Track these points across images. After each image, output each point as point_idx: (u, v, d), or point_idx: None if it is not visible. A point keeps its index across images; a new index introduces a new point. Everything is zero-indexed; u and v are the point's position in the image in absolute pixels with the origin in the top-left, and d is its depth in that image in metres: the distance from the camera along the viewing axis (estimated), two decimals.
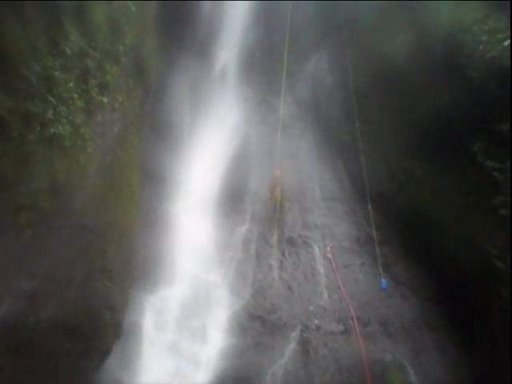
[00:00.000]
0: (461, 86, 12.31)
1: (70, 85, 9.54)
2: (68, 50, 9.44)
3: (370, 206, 15.76)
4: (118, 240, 11.66)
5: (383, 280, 14.77)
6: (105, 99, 10.98)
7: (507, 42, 11.50)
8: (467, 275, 12.95)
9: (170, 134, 18.76)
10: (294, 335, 13.27)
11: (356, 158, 17.08)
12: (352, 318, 13.81)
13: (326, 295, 14.69)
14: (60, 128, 9.24)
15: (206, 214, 17.33)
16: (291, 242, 16.30)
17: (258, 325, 13.62)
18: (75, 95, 9.84)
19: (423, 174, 14.68)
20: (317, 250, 16.00)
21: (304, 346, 12.94)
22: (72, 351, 9.53)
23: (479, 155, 12.30)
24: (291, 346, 12.95)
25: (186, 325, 13.50)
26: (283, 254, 15.97)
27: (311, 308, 14.20)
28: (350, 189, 17.79)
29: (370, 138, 17.03)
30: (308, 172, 18.38)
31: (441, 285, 14.06)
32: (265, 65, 21.68)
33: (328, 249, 15.86)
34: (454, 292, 13.37)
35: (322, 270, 15.42)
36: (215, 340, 13.35)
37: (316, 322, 13.71)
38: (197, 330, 13.49)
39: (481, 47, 11.92)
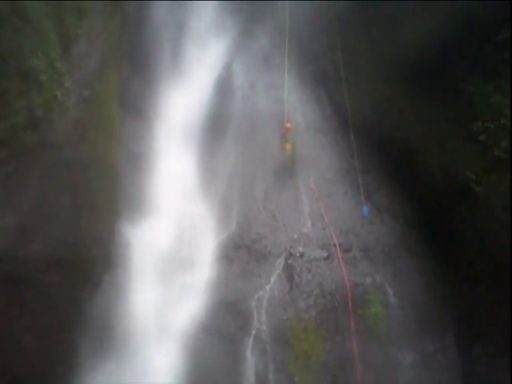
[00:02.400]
0: (445, 9, 12.00)
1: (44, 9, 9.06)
2: None
3: (352, 136, 15.75)
4: (102, 175, 11.61)
5: (365, 207, 15.05)
6: (81, 31, 10.49)
7: None
8: (446, 201, 13.27)
9: (150, 67, 18.16)
10: (279, 262, 13.66)
11: (339, 87, 16.84)
12: (334, 245, 14.20)
13: (309, 224, 14.98)
14: (35, 62, 8.90)
15: (191, 147, 17.18)
16: (275, 173, 16.30)
17: (243, 254, 13.94)
18: (50, 28, 9.40)
19: (405, 103, 14.59)
20: (300, 181, 16.09)
21: (289, 272, 13.36)
22: (62, 283, 9.74)
23: (461, 81, 12.23)
24: (276, 273, 13.36)
25: (174, 256, 13.74)
26: (268, 186, 16.00)
27: (295, 236, 14.52)
28: (333, 119, 17.66)
29: (353, 66, 16.70)
30: (291, 103, 18.09)
31: (420, 211, 14.42)
32: None
33: (311, 179, 15.97)
34: (433, 217, 13.72)
35: (305, 199, 15.63)
36: (203, 269, 13.67)
37: (300, 249, 14.08)
38: (184, 261, 13.78)
39: None
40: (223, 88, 18.48)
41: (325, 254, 14.09)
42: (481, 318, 11.67)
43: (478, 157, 12.04)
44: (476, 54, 11.79)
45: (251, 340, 11.90)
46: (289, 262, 13.63)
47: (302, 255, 13.90)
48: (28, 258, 9.15)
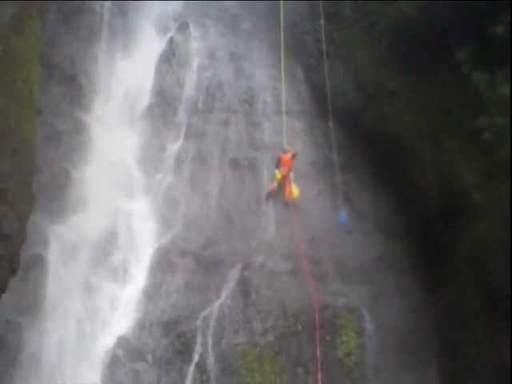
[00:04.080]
0: None
1: None
2: None
3: (331, 124, 15.82)
4: (13, 153, 11.27)
5: (342, 212, 15.07)
6: None
7: None
8: (438, 209, 13.55)
9: (84, 21, 17.92)
10: (233, 274, 13.65)
11: (318, 63, 16.96)
12: (302, 256, 14.27)
13: (273, 229, 15.08)
14: None
15: (130, 125, 17.07)
16: (234, 164, 16.41)
17: (189, 261, 13.90)
18: None
19: (396, 88, 14.85)
20: (265, 174, 16.19)
21: (244, 286, 13.36)
22: None
23: (465, 65, 12.46)
24: (229, 286, 13.33)
25: (102, 260, 13.58)
26: (224, 179, 16.10)
27: (254, 243, 14.60)
28: (309, 101, 17.85)
29: (337, 39, 16.91)
30: (259, 78, 18.19)
31: (408, 220, 14.68)
32: None
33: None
34: (423, 227, 14.00)
35: (270, 198, 15.73)
36: (137, 279, 13.58)
37: (260, 259, 14.13)
38: (115, 267, 13.64)
39: None
40: (176, 54, 18.37)
41: (290, 267, 14.17)
42: (469, 352, 11.98)
43: (480, 158, 12.36)
44: (483, 34, 12.06)
45: (192, 369, 11.75)
46: (245, 273, 13.64)
47: (261, 267, 13.95)
48: None
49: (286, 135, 15.73)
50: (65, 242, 13.42)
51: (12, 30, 12.32)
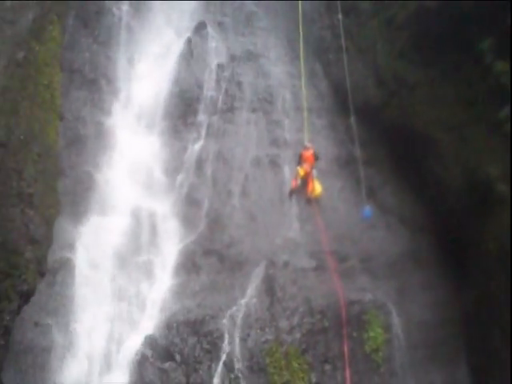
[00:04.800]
0: None
1: None
2: None
3: (352, 119, 15.87)
4: (38, 158, 11.49)
5: (367, 207, 15.09)
6: None
7: None
8: (464, 202, 13.55)
9: (103, 25, 18.14)
10: (258, 272, 13.75)
11: (338, 59, 17.01)
12: (327, 253, 14.33)
13: (296, 226, 15.14)
14: None
15: (151, 128, 17.18)
16: (256, 162, 16.47)
17: (213, 261, 14.03)
18: None
19: (418, 81, 14.84)
20: (287, 172, 16.24)
21: (269, 284, 13.45)
22: None
23: (487, 55, 12.41)
24: (254, 285, 13.44)
25: (128, 262, 13.74)
26: (246, 178, 16.16)
27: (278, 241, 14.67)
28: (330, 97, 17.85)
29: (356, 33, 16.92)
30: (277, 76, 18.23)
31: (433, 213, 14.73)
32: None
33: None
34: (447, 220, 14.01)
35: (292, 196, 15.78)
36: (163, 279, 13.75)
37: (284, 257, 14.19)
38: (141, 268, 13.80)
39: None
40: (194, 55, 18.49)
41: (314, 264, 14.26)
42: (497, 344, 11.93)
43: (504, 150, 12.30)
44: (505, 23, 11.98)
45: (220, 367, 11.85)
46: (270, 272, 13.73)
47: (286, 264, 14.03)
48: None
49: (307, 132, 15.80)
50: (90, 245, 13.58)
51: (32, 36, 12.50)
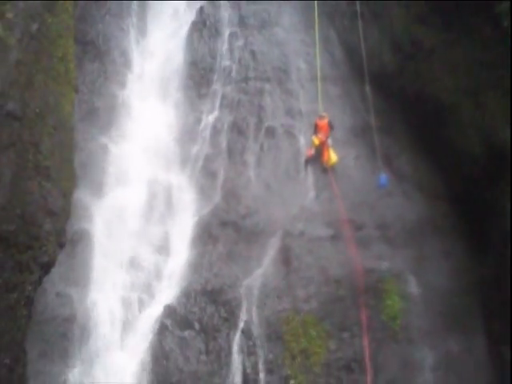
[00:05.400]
0: None
1: None
2: None
3: (368, 87, 15.76)
4: (53, 131, 11.58)
5: (383, 175, 15.11)
6: None
7: None
8: (482, 169, 13.50)
9: None
10: (274, 242, 13.91)
11: (352, 25, 16.91)
12: (343, 221, 14.38)
13: (312, 195, 15.23)
14: None
15: (165, 99, 17.29)
16: (271, 132, 16.48)
17: (230, 231, 14.16)
18: None
19: (435, 45, 14.68)
20: (302, 141, 16.28)
21: (285, 254, 13.60)
22: (6, 264, 9.88)
23: (505, 18, 12.26)
24: (270, 255, 13.61)
25: (145, 233, 13.97)
26: (261, 148, 16.23)
27: (294, 211, 14.74)
28: (345, 65, 17.73)
29: None
30: (291, 44, 18.13)
31: (451, 180, 14.69)
32: None
33: None
34: (465, 187, 13.97)
35: (308, 165, 15.85)
36: (180, 250, 13.94)
37: (300, 226, 14.30)
38: (158, 239, 14.02)
39: None
40: (207, 24, 18.44)
41: (331, 233, 14.33)
42: None
43: None
44: None
45: (238, 335, 12.07)
46: (286, 241, 13.86)
47: (302, 234, 14.14)
48: None
49: (322, 101, 15.76)
50: (108, 216, 13.83)
51: (45, 8, 12.43)
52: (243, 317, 12.33)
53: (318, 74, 16.07)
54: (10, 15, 10.58)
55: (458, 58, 14.00)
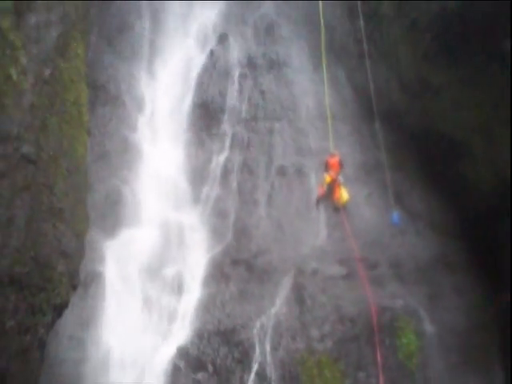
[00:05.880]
0: None
1: None
2: None
3: (377, 124, 15.99)
4: (67, 173, 11.81)
5: (395, 213, 15.19)
6: None
7: None
8: (494, 204, 13.50)
9: (125, 41, 18.62)
10: (287, 281, 13.89)
11: (360, 64, 17.09)
12: (357, 260, 14.38)
13: (324, 234, 15.26)
14: None
15: (176, 140, 17.55)
16: (282, 171, 16.65)
17: (242, 270, 14.22)
18: None
19: (442, 83, 14.80)
20: (313, 180, 16.39)
21: (299, 292, 13.58)
22: (19, 306, 9.93)
23: (510, 56, 12.44)
24: (283, 294, 13.58)
25: (157, 273, 14.03)
26: (272, 187, 16.36)
27: (306, 249, 14.78)
28: (353, 104, 17.97)
29: (378, 38, 16.94)
30: (300, 83, 18.42)
31: (463, 216, 14.70)
32: None
33: None
34: (478, 224, 13.96)
35: (319, 203, 15.91)
36: (192, 290, 13.98)
37: (313, 264, 14.30)
38: (170, 279, 14.07)
39: None
40: (216, 66, 18.82)
41: (344, 272, 14.32)
42: None
43: None
44: None
45: (252, 377, 12.03)
46: (298, 280, 13.86)
47: (315, 272, 14.13)
48: None
49: (332, 139, 15.94)
50: (120, 257, 13.94)
51: (58, 53, 12.77)
52: (257, 358, 12.26)
53: (328, 112, 16.29)
54: (23, 60, 10.87)
55: (466, 96, 14.12)
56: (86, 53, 15.68)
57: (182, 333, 12.90)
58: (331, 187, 15.64)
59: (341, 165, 15.60)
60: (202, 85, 18.46)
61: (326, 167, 15.66)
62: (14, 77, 10.33)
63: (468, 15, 13.04)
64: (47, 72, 12.09)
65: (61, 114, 12.38)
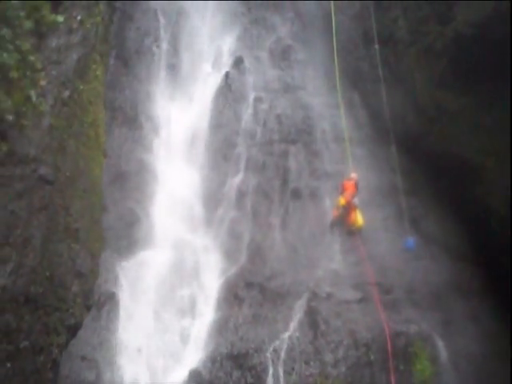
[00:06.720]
0: None
1: None
2: None
3: (393, 148, 16.05)
4: (83, 194, 12.04)
5: (410, 238, 15.25)
6: (59, 18, 11.06)
7: None
8: (510, 229, 13.44)
9: (142, 63, 18.91)
10: (300, 305, 13.80)
11: (375, 89, 17.24)
12: (371, 284, 14.35)
13: (339, 257, 15.25)
14: (4, 56, 9.37)
15: (190, 162, 17.69)
16: (296, 194, 16.74)
17: (255, 293, 14.16)
18: (22, 14, 9.96)
19: (458, 108, 14.93)
20: (328, 203, 16.44)
21: (312, 317, 13.49)
22: (33, 326, 10.03)
23: None
24: (297, 318, 13.49)
25: (170, 295, 14.04)
26: (286, 210, 16.44)
27: (321, 273, 14.74)
28: (369, 127, 18.10)
29: (393, 63, 17.15)
30: (315, 107, 18.57)
31: (478, 242, 14.63)
32: None
33: None
34: (493, 250, 13.89)
35: (334, 227, 15.96)
36: (205, 312, 13.94)
37: (327, 289, 14.23)
38: (183, 301, 14.08)
39: None
40: (232, 89, 19.04)
41: (359, 296, 14.26)
42: None
43: None
44: None
45: None
46: (312, 304, 13.78)
47: (329, 296, 14.07)
48: None
49: (350, 162, 16.05)
50: (134, 279, 13.98)
51: (77, 75, 13.11)
52: (270, 382, 12.14)
53: (346, 135, 16.43)
54: (43, 82, 11.14)
55: (483, 120, 14.23)
56: (105, 75, 15.99)
57: (194, 356, 12.83)
58: (346, 210, 15.68)
59: (356, 188, 15.65)
60: (217, 107, 18.63)
61: (342, 190, 15.72)
62: (34, 98, 10.55)
63: (482, 40, 13.18)
64: (66, 94, 12.41)
65: (78, 136, 12.66)
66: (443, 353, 13.03)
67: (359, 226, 15.64)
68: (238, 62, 19.57)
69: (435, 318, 13.76)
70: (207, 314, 13.90)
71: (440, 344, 13.12)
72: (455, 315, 13.80)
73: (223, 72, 19.44)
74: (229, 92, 18.97)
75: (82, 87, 13.20)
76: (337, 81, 16.90)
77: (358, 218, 15.55)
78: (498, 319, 13.49)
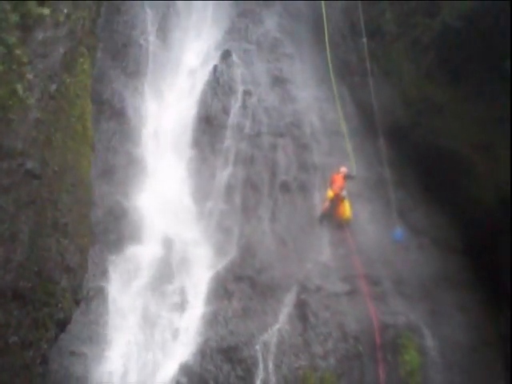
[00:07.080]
0: None
1: None
2: None
3: (381, 141, 16.10)
4: (71, 188, 11.93)
5: (398, 230, 15.36)
6: (46, 11, 10.98)
7: None
8: (497, 220, 13.57)
9: (130, 56, 18.81)
10: (290, 298, 13.89)
11: (363, 82, 17.26)
12: (360, 276, 14.44)
13: (328, 250, 15.31)
14: None
15: (179, 155, 17.66)
16: (285, 187, 16.78)
17: (245, 286, 14.18)
18: (8, 7, 9.90)
19: (445, 100, 14.99)
20: (316, 196, 16.50)
21: (302, 309, 13.57)
22: (22, 321, 9.98)
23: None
24: (286, 310, 13.57)
25: (160, 289, 13.98)
26: (275, 203, 16.45)
27: (310, 266, 14.80)
28: (357, 120, 18.15)
29: (381, 56, 17.18)
30: (304, 100, 18.60)
31: (466, 233, 14.80)
32: None
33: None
34: (481, 241, 14.02)
35: (323, 220, 16.00)
36: (195, 306, 13.90)
37: (316, 281, 14.31)
38: (172, 295, 14.03)
39: None
40: (220, 82, 19.00)
41: (347, 288, 14.34)
42: None
43: None
44: None
45: None
46: (302, 297, 13.86)
47: (318, 289, 14.14)
48: None
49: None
50: (123, 273, 13.94)
51: (64, 69, 12.96)
52: (260, 375, 12.15)
53: (344, 128, 16.53)
54: (29, 76, 11.06)
55: (470, 113, 14.28)
56: (92, 68, 15.87)
57: (184, 350, 12.79)
58: (335, 203, 15.73)
59: (345, 180, 15.69)
60: (205, 101, 18.58)
61: (330, 183, 15.77)
62: (20, 92, 10.50)
63: (470, 33, 13.23)
64: (53, 87, 12.27)
65: (66, 129, 12.54)
66: (431, 343, 13.10)
67: (347, 219, 15.71)
68: (225, 56, 19.53)
69: (423, 308, 13.87)
70: (197, 307, 13.84)
71: (428, 335, 13.20)
72: (443, 306, 13.92)
73: (211, 65, 19.40)
74: (217, 85, 18.91)
75: (68, 80, 13.06)
76: (330, 73, 16.94)
77: (347, 211, 15.62)
78: (485, 309, 13.66)
